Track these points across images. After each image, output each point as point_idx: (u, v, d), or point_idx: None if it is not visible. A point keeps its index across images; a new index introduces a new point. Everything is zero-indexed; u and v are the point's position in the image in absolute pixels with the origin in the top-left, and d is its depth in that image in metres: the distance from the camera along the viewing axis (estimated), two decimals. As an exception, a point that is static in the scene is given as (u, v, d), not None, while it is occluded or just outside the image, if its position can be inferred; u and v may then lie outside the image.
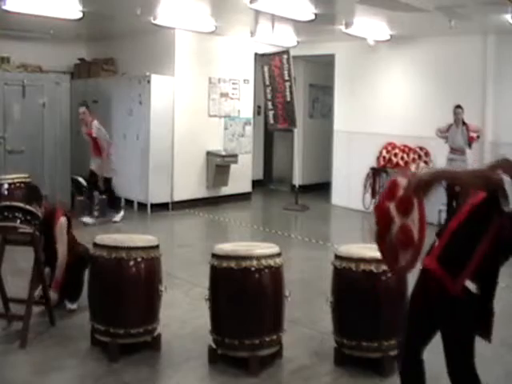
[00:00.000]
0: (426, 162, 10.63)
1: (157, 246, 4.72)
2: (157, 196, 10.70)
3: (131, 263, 4.51)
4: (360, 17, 8.99)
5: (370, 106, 11.47)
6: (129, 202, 10.90)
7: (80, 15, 8.35)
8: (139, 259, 4.53)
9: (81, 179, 10.56)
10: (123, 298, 4.53)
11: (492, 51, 9.82)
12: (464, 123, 9.29)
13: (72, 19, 8.59)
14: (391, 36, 10.24)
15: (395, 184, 3.04)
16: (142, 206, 10.67)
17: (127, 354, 4.52)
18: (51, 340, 4.85)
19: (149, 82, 10.41)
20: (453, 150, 9.35)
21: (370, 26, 9.51)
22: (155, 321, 4.69)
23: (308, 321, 5.47)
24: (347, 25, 9.27)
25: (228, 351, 4.41)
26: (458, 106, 9.30)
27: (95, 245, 4.66)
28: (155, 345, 4.68)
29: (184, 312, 5.59)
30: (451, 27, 8.51)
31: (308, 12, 8.24)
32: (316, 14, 8.33)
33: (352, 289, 4.39)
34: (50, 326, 5.07)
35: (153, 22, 9.02)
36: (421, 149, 10.60)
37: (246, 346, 4.29)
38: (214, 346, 4.48)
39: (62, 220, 5.35)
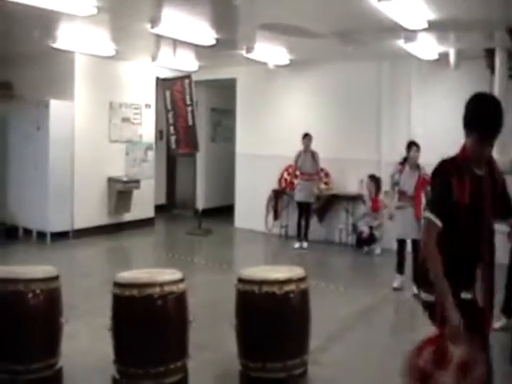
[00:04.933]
0: (326, 183, 10.92)
1: (56, 277, 4.57)
2: (57, 224, 10.38)
3: (30, 296, 4.34)
4: (260, 42, 9.19)
5: (271, 129, 11.69)
6: (27, 232, 10.52)
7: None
8: (38, 291, 4.37)
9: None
10: (22, 332, 4.34)
11: (386, 76, 10.28)
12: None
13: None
14: (291, 60, 10.51)
15: (443, 350, 2.83)
16: (42, 235, 10.32)
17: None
18: None
19: (47, 106, 10.16)
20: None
21: (271, 50, 9.73)
22: (57, 354, 4.54)
23: (213, 345, 5.47)
24: (248, 50, 9.47)
25: (133, 381, 4.31)
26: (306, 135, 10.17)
27: (-10, 277, 4.45)
28: (57, 379, 4.52)
29: (86, 344, 5.45)
30: (349, 53, 8.82)
31: (209, 37, 8.35)
32: (217, 39, 8.45)
33: (255, 311, 4.43)
34: None
35: (52, 45, 8.84)
36: (321, 170, 10.89)
37: (151, 375, 4.21)
38: (117, 376, 4.38)
39: None
